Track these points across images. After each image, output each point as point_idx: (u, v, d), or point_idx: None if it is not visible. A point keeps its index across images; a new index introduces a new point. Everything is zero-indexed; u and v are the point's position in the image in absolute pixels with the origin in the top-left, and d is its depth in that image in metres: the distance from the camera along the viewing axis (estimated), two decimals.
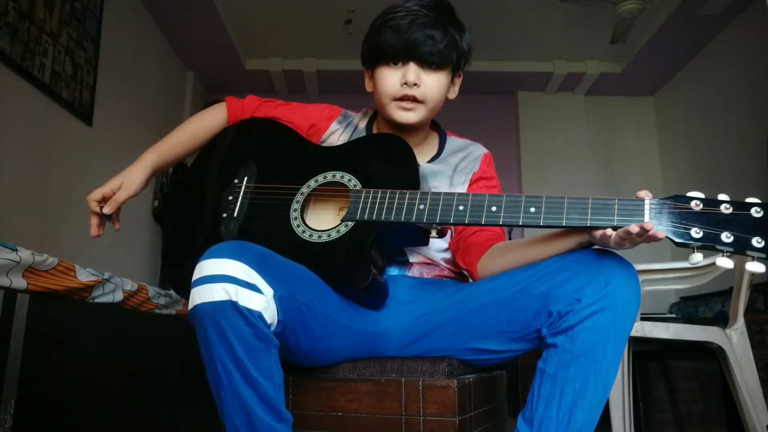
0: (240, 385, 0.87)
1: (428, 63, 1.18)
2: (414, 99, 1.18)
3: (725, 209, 0.85)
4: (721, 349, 1.93)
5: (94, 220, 1.20)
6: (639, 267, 0.98)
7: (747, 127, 3.50)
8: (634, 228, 0.86)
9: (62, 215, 2.67)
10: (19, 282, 1.29)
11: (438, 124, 1.35)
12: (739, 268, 1.83)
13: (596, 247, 0.98)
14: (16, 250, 1.29)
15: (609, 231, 0.91)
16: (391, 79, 1.19)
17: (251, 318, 0.86)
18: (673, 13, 3.54)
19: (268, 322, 0.89)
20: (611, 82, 4.52)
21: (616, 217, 0.90)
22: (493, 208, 0.96)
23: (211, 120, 1.37)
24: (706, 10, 3.49)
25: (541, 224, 0.93)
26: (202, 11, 3.60)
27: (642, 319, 1.97)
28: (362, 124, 1.32)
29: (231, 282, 0.86)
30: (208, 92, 4.63)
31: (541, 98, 4.74)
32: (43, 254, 1.37)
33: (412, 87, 1.16)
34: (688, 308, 3.48)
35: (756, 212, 0.84)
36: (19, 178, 2.37)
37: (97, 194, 1.19)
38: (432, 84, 1.19)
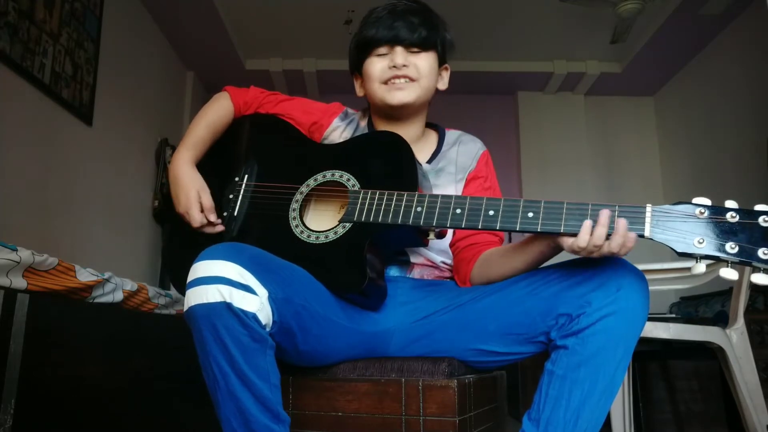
0: (236, 387, 0.87)
1: (413, 45, 1.19)
2: (406, 77, 1.19)
3: (731, 218, 0.82)
4: (721, 349, 1.93)
5: (209, 229, 1.21)
6: (639, 267, 0.98)
7: (747, 127, 3.50)
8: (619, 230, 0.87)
9: (62, 215, 2.67)
10: (19, 282, 1.28)
11: (436, 124, 1.35)
12: (740, 269, 1.82)
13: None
14: (16, 250, 1.29)
15: (579, 242, 0.89)
16: (378, 64, 1.21)
17: (246, 319, 0.86)
18: (673, 13, 3.54)
19: (263, 323, 0.89)
20: (611, 82, 4.51)
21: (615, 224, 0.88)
22: (491, 212, 0.94)
23: (226, 112, 1.35)
24: (706, 10, 3.49)
25: (539, 230, 0.91)
26: (202, 11, 3.60)
27: None
28: (363, 123, 1.32)
29: (225, 283, 0.85)
30: (208, 92, 4.63)
31: (541, 98, 4.73)
32: (43, 254, 1.37)
33: (401, 68, 1.18)
34: (688, 308, 3.47)
35: (764, 221, 0.81)
36: (19, 178, 2.37)
37: (197, 217, 1.19)
38: (421, 63, 1.21)
